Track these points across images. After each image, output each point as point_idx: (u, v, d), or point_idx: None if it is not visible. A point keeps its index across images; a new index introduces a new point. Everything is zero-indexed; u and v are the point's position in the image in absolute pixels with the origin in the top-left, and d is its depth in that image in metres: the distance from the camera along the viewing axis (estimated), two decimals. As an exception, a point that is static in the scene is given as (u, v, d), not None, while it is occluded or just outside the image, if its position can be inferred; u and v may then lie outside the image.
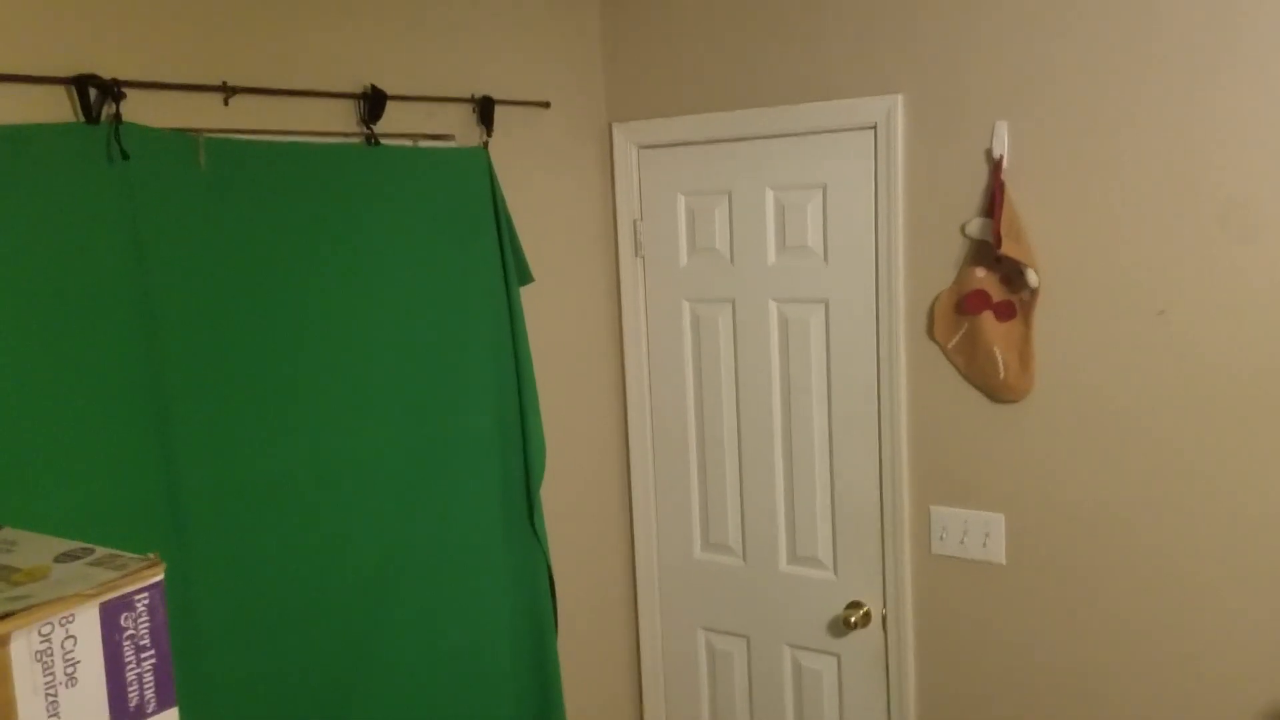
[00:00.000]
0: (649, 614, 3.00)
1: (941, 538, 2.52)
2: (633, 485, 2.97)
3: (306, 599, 2.06)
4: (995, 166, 2.31)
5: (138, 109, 1.80)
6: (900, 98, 2.43)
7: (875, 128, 2.48)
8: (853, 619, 2.62)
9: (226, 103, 1.95)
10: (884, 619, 2.64)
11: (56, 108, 1.71)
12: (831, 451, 2.65)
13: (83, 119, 1.71)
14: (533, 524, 2.53)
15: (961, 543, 2.50)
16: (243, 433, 1.95)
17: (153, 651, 1.19)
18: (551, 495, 2.72)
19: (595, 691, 2.92)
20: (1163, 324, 2.20)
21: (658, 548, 2.97)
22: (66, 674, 1.11)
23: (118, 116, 1.74)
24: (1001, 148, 2.30)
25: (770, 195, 2.65)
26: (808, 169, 2.59)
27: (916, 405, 2.52)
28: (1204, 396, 2.18)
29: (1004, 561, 2.45)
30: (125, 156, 1.73)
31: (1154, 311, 2.20)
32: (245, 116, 1.99)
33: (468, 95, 2.45)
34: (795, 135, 2.59)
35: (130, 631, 1.17)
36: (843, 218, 2.56)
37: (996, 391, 2.40)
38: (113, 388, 1.75)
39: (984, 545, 2.47)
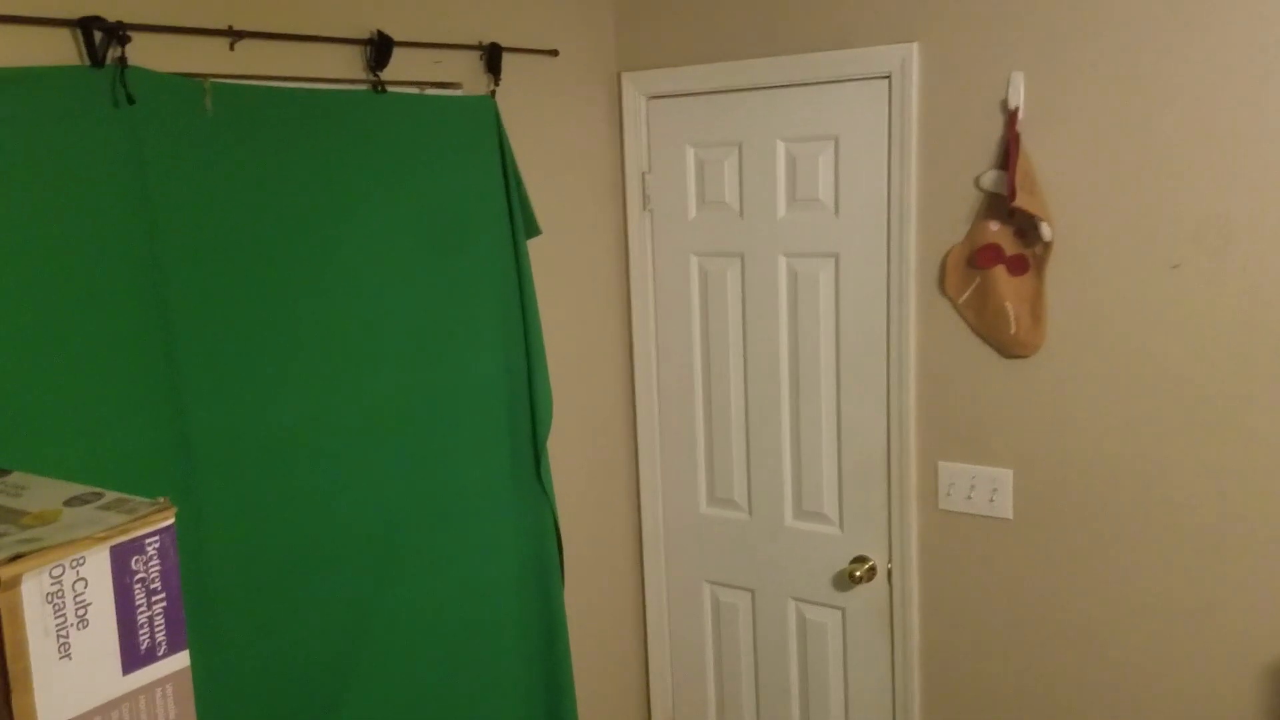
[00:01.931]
0: (655, 567, 3.01)
1: (949, 493, 2.52)
2: (639, 439, 2.97)
3: (315, 547, 2.07)
4: (1011, 118, 2.28)
5: (143, 53, 1.78)
6: (916, 46, 2.39)
7: (890, 77, 2.44)
8: (858, 573, 2.63)
9: (233, 47, 1.93)
10: (889, 573, 2.64)
11: (61, 51, 1.69)
12: (839, 407, 2.65)
13: (88, 62, 1.69)
14: (539, 477, 2.53)
15: (969, 498, 2.50)
16: (250, 381, 1.94)
17: (164, 595, 1.19)
18: (558, 449, 2.72)
19: (601, 643, 2.94)
20: (1177, 280, 2.18)
21: (664, 502, 2.98)
22: (78, 616, 1.11)
23: (123, 60, 1.71)
24: (1017, 99, 2.27)
25: (781, 147, 2.62)
26: (820, 120, 2.55)
27: (926, 360, 2.51)
28: (1217, 352, 2.17)
29: (1011, 517, 2.45)
30: (131, 101, 1.71)
31: (1168, 266, 2.18)
32: (252, 62, 1.96)
33: (475, 42, 2.42)
34: (808, 85, 2.55)
35: (141, 575, 1.17)
36: (855, 170, 2.53)
37: (1007, 347, 2.38)
38: (121, 335, 1.75)
39: (991, 501, 2.47)
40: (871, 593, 2.68)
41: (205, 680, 1.87)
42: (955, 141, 2.38)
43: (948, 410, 2.50)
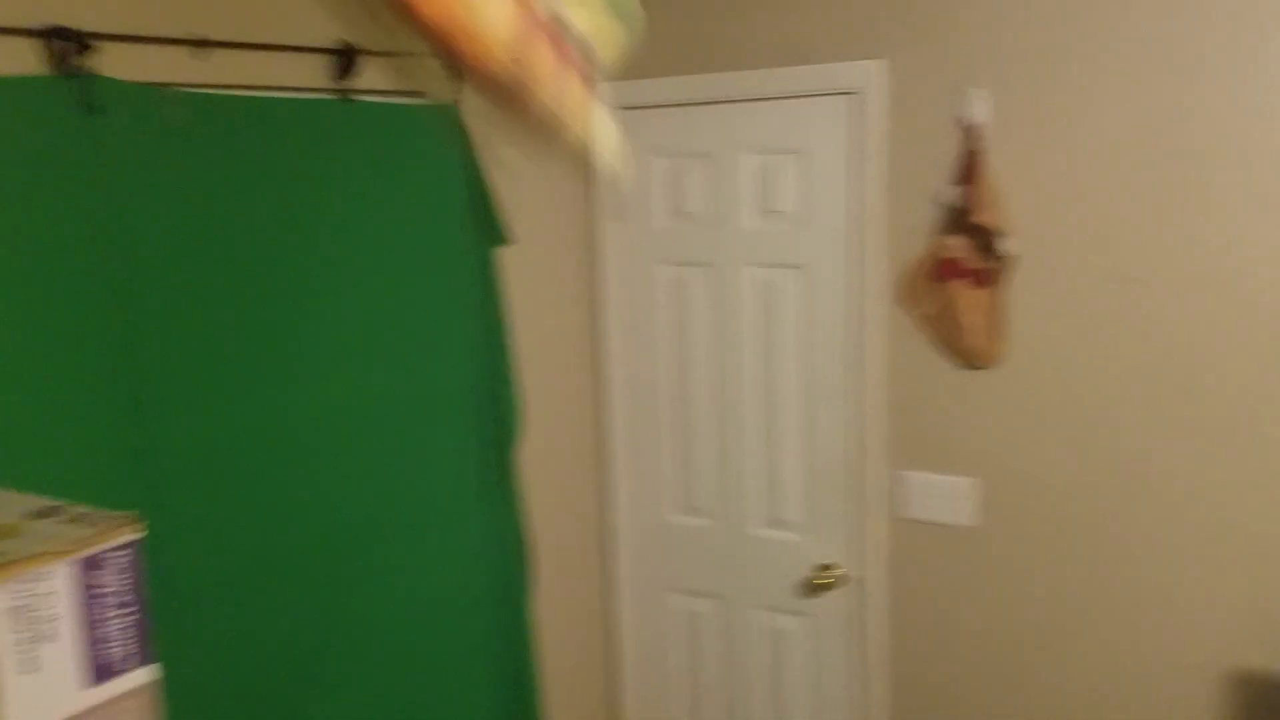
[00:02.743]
0: (622, 575, 3.02)
1: (911, 501, 2.56)
2: (606, 447, 2.98)
3: (281, 556, 2.06)
4: (973, 134, 2.32)
5: (108, 62, 1.77)
6: (881, 63, 2.43)
7: (856, 93, 2.47)
8: (823, 581, 2.66)
9: (199, 57, 1.92)
10: (855, 581, 2.67)
11: (26, 60, 1.68)
12: (805, 416, 2.68)
13: (55, 72, 1.68)
14: (508, 484, 2.54)
15: (932, 506, 2.53)
16: (214, 389, 1.94)
17: (131, 608, 1.19)
18: (527, 456, 2.73)
19: (568, 651, 2.95)
20: (1135, 292, 2.23)
21: (631, 510, 2.99)
22: (44, 630, 1.11)
23: (89, 70, 1.71)
24: (980, 115, 2.31)
25: (749, 159, 2.65)
26: (788, 133, 2.58)
27: (890, 370, 2.54)
28: (1173, 364, 2.21)
29: (974, 525, 2.49)
30: (96, 110, 1.71)
31: (1126, 279, 2.23)
32: (217, 71, 1.96)
33: (444, 53, 2.42)
34: (776, 99, 2.58)
35: (108, 588, 1.17)
36: (821, 183, 2.56)
37: (968, 358, 2.42)
38: (84, 343, 1.74)
39: (953, 508, 2.50)
40: (837, 600, 2.71)
41: (169, 687, 1.86)
42: (919, 156, 2.42)
43: (912, 419, 2.53)
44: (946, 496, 2.51)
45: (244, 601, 2.01)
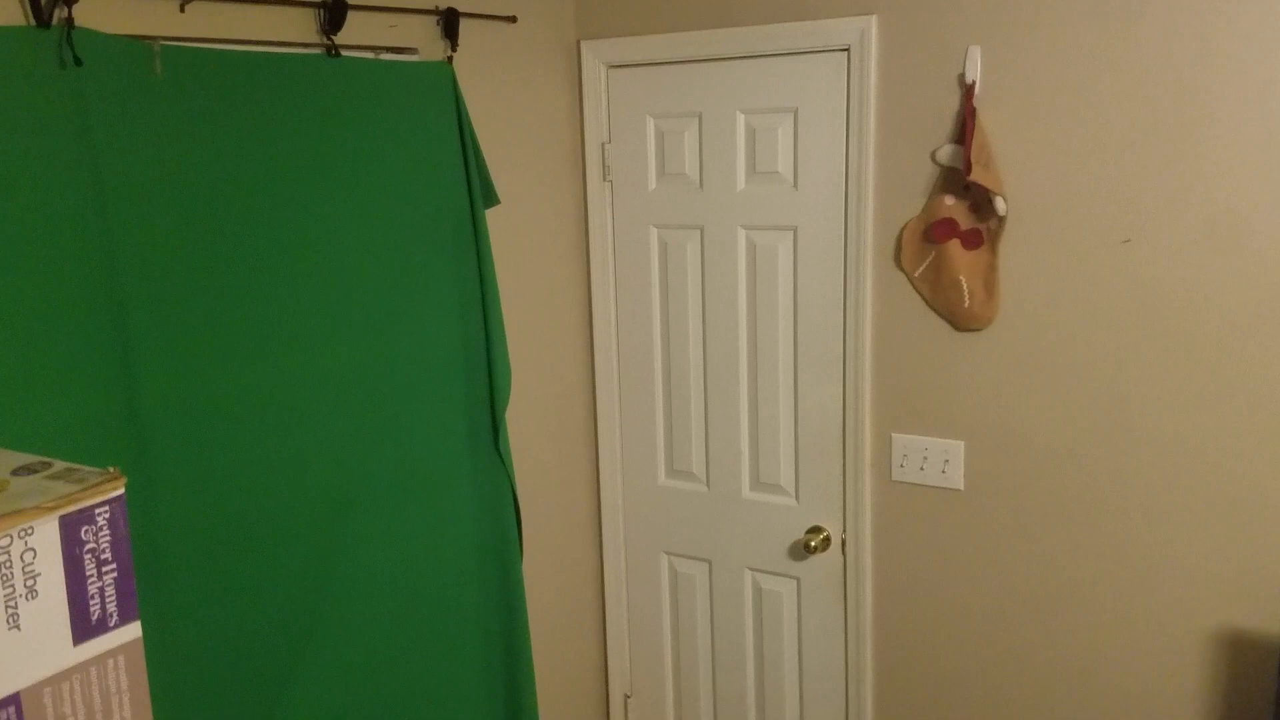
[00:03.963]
0: (613, 538, 3.02)
1: (902, 464, 2.56)
2: (598, 411, 2.97)
3: (269, 518, 2.05)
4: (968, 92, 2.30)
5: (90, 14, 1.73)
6: (874, 19, 2.39)
7: (849, 50, 2.44)
8: (813, 543, 2.66)
9: (183, 9, 1.89)
10: (843, 543, 2.68)
11: (5, 10, 1.64)
12: (796, 379, 2.67)
13: (33, 23, 1.65)
14: (498, 448, 2.53)
15: (921, 469, 2.53)
16: (203, 349, 1.92)
17: (114, 565, 1.18)
18: (517, 420, 2.72)
19: (559, 613, 2.96)
20: (1127, 255, 2.22)
21: (622, 473, 2.99)
22: (27, 586, 1.10)
23: (70, 20, 1.67)
24: (974, 73, 2.29)
25: (741, 119, 2.62)
26: (780, 92, 2.55)
27: (881, 333, 2.53)
28: (1165, 328, 2.21)
29: (962, 488, 2.49)
30: (78, 62, 1.67)
31: (1119, 241, 2.22)
32: (202, 24, 1.92)
33: (431, 7, 2.38)
34: (768, 56, 2.55)
35: (91, 545, 1.15)
36: (813, 143, 2.53)
37: (961, 320, 2.41)
38: (69, 302, 1.71)
39: (943, 472, 2.50)
40: (826, 562, 2.71)
41: (156, 650, 1.86)
42: (912, 115, 2.39)
43: (902, 382, 2.52)
44: (936, 460, 2.51)
45: (230, 562, 2.00)
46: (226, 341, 1.95)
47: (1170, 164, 2.15)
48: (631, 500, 2.99)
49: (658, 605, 3.01)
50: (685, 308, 2.79)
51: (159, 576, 1.87)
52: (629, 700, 3.10)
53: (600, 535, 3.05)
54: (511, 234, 2.67)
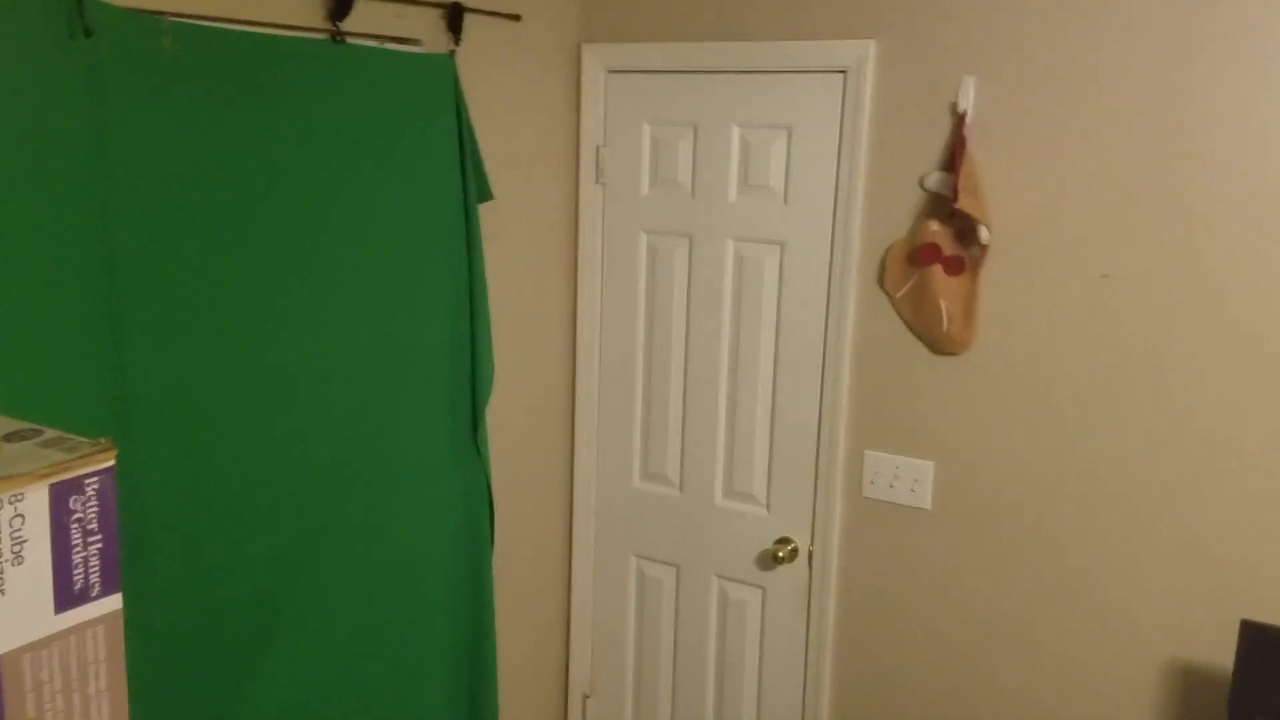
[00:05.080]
0: (583, 538, 3.04)
1: (873, 481, 2.59)
2: (577, 411, 2.99)
3: (250, 498, 2.06)
4: (959, 121, 2.34)
5: (100, -15, 1.74)
6: (874, 43, 2.43)
7: (846, 72, 2.48)
8: (780, 554, 2.69)
9: (192, -13, 1.89)
10: (810, 556, 2.71)
11: (15, -24, 1.65)
12: (775, 391, 2.70)
13: (43, -9, 1.65)
14: (476, 441, 2.54)
15: (891, 487, 2.57)
16: (194, 327, 1.92)
17: (100, 536, 1.19)
18: (497, 415, 2.73)
19: (525, 609, 2.97)
20: (1104, 290, 2.27)
21: (597, 474, 3.01)
22: (13, 552, 1.11)
23: (79, -9, 1.68)
24: (967, 103, 2.33)
25: (736, 132, 2.65)
26: (776, 108, 2.59)
27: (861, 351, 2.57)
28: (1136, 364, 2.25)
29: (929, 508, 2.53)
30: (88, 34, 1.68)
31: (1097, 275, 2.27)
32: (210, 3, 1.93)
33: (437, 0, 2.40)
34: (766, 73, 2.58)
35: (79, 514, 1.16)
36: (806, 160, 2.57)
37: (939, 343, 2.45)
38: (65, 274, 1.72)
39: (912, 491, 2.54)
40: (792, 573, 2.75)
41: (131, 623, 1.86)
42: (904, 140, 2.43)
43: (878, 401, 2.56)
44: (906, 479, 2.55)
45: (211, 540, 2.00)
46: (217, 324, 1.96)
47: (1151, 205, 2.20)
48: (604, 501, 3.01)
49: (623, 607, 3.03)
50: (670, 314, 2.82)
51: (137, 551, 1.87)
52: (588, 700, 3.12)
53: (571, 534, 3.07)
54: (502, 230, 2.69)
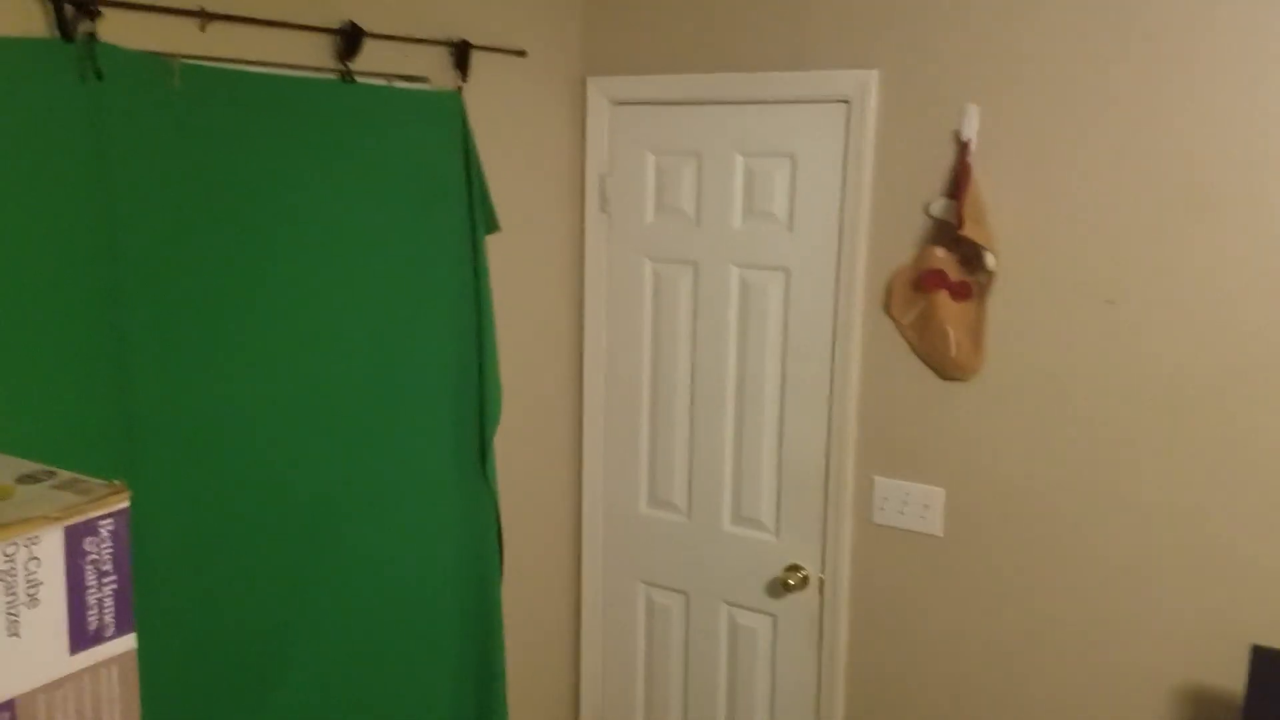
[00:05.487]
0: (592, 566, 3.04)
1: (882, 507, 2.59)
2: (584, 438, 3.00)
3: (257, 528, 2.07)
4: (963, 149, 2.35)
5: (113, 30, 1.77)
6: (876, 73, 2.45)
7: (849, 101, 2.50)
8: (791, 581, 2.69)
9: (203, 29, 1.92)
10: (821, 583, 2.71)
11: (30, 23, 1.68)
12: (782, 417, 2.71)
13: (58, 35, 1.68)
14: (484, 470, 2.55)
15: (901, 513, 2.57)
16: (200, 361, 1.94)
17: (114, 577, 1.20)
18: (504, 443, 2.74)
19: (535, 637, 2.97)
20: (1111, 314, 2.27)
21: (604, 501, 3.01)
22: (29, 595, 1.12)
23: (93, 35, 1.70)
24: (971, 130, 2.34)
25: (739, 161, 2.67)
26: (779, 137, 2.61)
27: (867, 377, 2.57)
28: (1143, 389, 2.26)
29: (941, 534, 2.53)
30: (99, 76, 1.71)
31: (1103, 301, 2.27)
32: (221, 44, 1.96)
33: (444, 39, 2.43)
34: (769, 103, 2.61)
35: (93, 556, 1.17)
36: (810, 188, 2.59)
37: (947, 369, 2.46)
38: (71, 310, 1.74)
39: (923, 517, 2.54)
40: (803, 601, 2.74)
41: (141, 654, 1.87)
42: (908, 168, 2.45)
43: (886, 427, 2.57)
44: (916, 505, 2.55)
45: (218, 574, 2.01)
46: (223, 353, 1.98)
47: (1156, 231, 2.20)
48: (612, 527, 3.01)
49: (633, 634, 3.03)
50: (675, 340, 2.83)
51: (145, 584, 1.89)
52: (600, 728, 3.12)
53: (579, 561, 3.07)
54: (509, 259, 2.71)
